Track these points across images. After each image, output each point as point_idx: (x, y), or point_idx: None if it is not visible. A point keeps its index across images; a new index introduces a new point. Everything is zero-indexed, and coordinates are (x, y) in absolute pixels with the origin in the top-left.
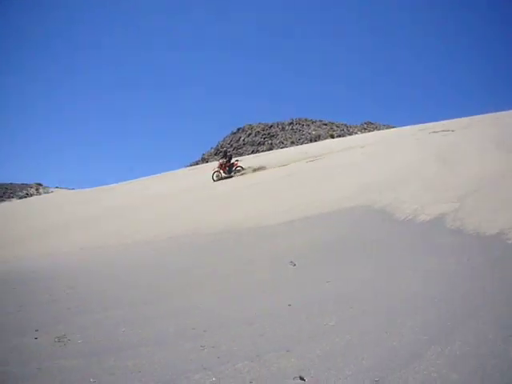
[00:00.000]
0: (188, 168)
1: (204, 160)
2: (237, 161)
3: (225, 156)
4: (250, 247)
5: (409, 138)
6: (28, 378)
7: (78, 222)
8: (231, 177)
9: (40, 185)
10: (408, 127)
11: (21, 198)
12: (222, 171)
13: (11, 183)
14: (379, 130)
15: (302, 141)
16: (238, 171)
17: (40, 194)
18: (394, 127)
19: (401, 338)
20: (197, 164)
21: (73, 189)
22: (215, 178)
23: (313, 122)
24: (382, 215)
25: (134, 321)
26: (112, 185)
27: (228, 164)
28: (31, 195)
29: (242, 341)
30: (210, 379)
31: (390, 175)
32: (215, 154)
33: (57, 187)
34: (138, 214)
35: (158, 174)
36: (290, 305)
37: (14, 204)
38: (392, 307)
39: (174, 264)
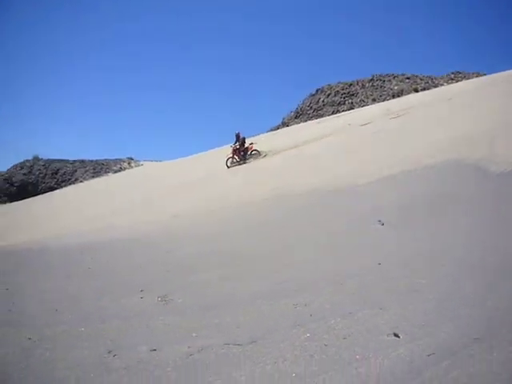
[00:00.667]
0: (270, 133)
1: (284, 124)
2: (251, 144)
3: (237, 139)
4: (336, 208)
5: (501, 86)
6: (138, 332)
7: (169, 191)
8: (244, 163)
9: (131, 159)
10: (501, 74)
11: (115, 172)
12: (236, 157)
13: (106, 159)
14: (468, 79)
15: (383, 97)
16: (254, 155)
17: (132, 167)
18: (484, 75)
19: (499, 298)
20: (277, 129)
21: (160, 161)
22: (229, 165)
23: (394, 77)
24: (475, 170)
25: (227, 281)
26: (200, 153)
27: (242, 149)
28: (124, 169)
29: (333, 299)
30: (304, 335)
31: (482, 127)
32: (295, 118)
33: (146, 160)
34: (224, 182)
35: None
36: (379, 263)
37: (111, 178)
38: (488, 266)
39: (263, 226)
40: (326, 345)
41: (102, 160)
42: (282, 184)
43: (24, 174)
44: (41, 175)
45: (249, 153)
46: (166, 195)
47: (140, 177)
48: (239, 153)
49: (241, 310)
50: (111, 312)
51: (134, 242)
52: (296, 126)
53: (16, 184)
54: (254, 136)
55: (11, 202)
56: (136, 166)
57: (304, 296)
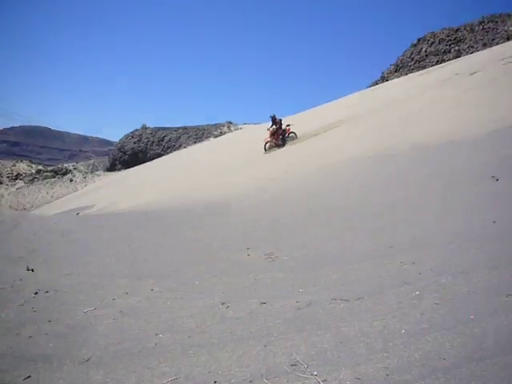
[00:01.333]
0: (369, 89)
1: (384, 79)
2: (288, 126)
3: (274, 122)
4: (440, 164)
5: None
6: (247, 286)
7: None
8: (283, 145)
9: (231, 123)
10: None
11: (216, 136)
12: (274, 140)
13: (207, 124)
14: None
15: (496, 41)
16: (292, 138)
17: (231, 131)
18: None
19: None
20: (376, 84)
21: (258, 123)
22: (267, 148)
23: (510, 16)
24: None
25: (332, 240)
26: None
27: (280, 131)
28: (224, 133)
29: (444, 258)
30: (412, 293)
31: None
32: (395, 71)
33: (244, 123)
34: (327, 140)
35: (339, 99)
36: (494, 221)
37: (211, 142)
38: None
39: (366, 184)
40: (436, 303)
41: (203, 126)
42: (383, 141)
43: (134, 143)
44: (149, 143)
45: (286, 135)
46: (266, 156)
47: (240, 139)
48: (277, 136)
49: (346, 269)
50: (221, 267)
51: (239, 200)
52: (396, 80)
53: (128, 152)
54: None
55: (125, 168)
56: (235, 130)
57: (411, 254)
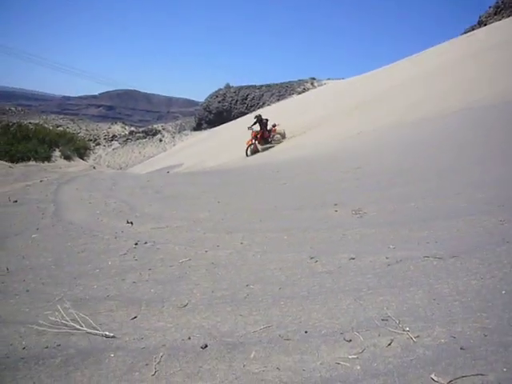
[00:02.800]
0: (466, 35)
1: (481, 23)
2: (274, 126)
3: (260, 122)
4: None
5: None
6: (336, 241)
7: (355, 108)
8: (271, 146)
9: (314, 79)
10: None
11: (299, 93)
12: (257, 142)
13: (289, 81)
14: None
15: None
16: (278, 140)
17: (315, 87)
18: None
19: None
20: (472, 29)
21: (342, 78)
22: (249, 153)
23: None
24: None
25: (419, 197)
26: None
27: (266, 134)
28: (307, 89)
29: None
30: None
31: None
32: (495, 14)
33: (328, 79)
34: (409, 94)
35: (430, 48)
36: None
37: (295, 99)
38: None
39: (454, 142)
40: None
41: (286, 83)
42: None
43: (219, 102)
44: (233, 102)
45: (272, 136)
46: (351, 111)
47: (323, 95)
48: (260, 138)
49: (439, 226)
50: (310, 223)
51: (323, 158)
52: (498, 23)
53: (213, 112)
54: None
55: (210, 128)
56: (319, 86)
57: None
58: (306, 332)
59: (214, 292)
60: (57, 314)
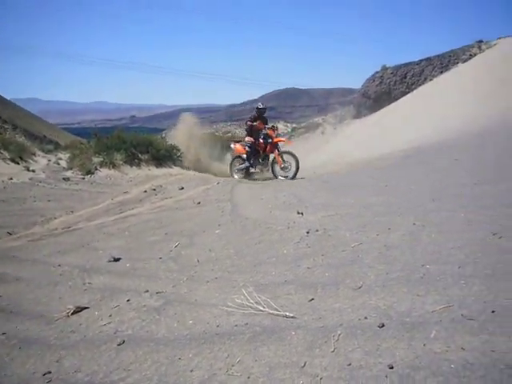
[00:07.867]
0: None
1: None
2: (273, 128)
3: (259, 116)
4: None
5: None
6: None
7: None
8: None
9: (481, 41)
10: None
11: (464, 61)
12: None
13: (452, 50)
14: None
15: None
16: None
17: (483, 50)
18: None
19: None
20: None
21: None
22: (237, 177)
23: None
24: None
25: None
26: None
27: (270, 144)
28: (475, 54)
29: None
30: None
31: None
32: None
33: (499, 37)
34: None
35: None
36: None
37: (459, 70)
38: None
39: None
40: None
41: (448, 52)
42: None
43: (376, 86)
44: (391, 83)
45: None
46: None
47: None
48: (261, 149)
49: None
50: (490, 200)
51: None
52: None
53: (372, 96)
54: None
55: (370, 113)
56: (488, 48)
57: None
58: (492, 311)
59: (389, 274)
60: (242, 297)
